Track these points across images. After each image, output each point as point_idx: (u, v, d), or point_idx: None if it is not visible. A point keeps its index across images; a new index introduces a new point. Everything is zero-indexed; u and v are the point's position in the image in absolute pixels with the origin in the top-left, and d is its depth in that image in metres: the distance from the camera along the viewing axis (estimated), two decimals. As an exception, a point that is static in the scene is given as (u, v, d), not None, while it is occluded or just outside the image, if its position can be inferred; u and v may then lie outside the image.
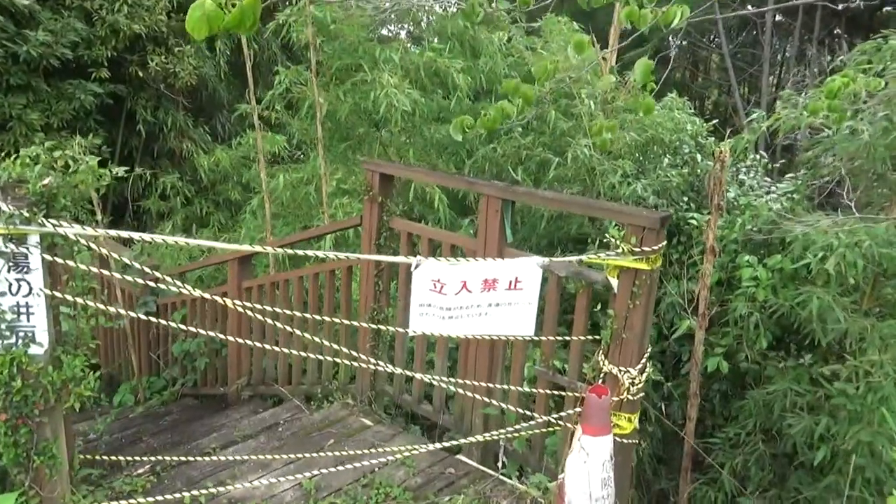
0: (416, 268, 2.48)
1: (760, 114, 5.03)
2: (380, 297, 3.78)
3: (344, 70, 6.19)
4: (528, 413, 3.10)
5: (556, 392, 3.05)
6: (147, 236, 2.40)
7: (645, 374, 2.69)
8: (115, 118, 9.88)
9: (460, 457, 3.45)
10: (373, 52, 5.86)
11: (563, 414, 2.88)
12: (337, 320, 3.85)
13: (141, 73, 9.56)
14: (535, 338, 2.81)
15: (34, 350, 2.37)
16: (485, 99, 6.58)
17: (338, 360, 3.37)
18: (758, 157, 6.08)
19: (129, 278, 3.13)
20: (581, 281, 2.85)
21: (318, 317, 3.56)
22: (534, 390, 3.11)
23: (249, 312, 2.71)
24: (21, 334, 2.35)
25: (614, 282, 2.67)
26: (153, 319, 3.88)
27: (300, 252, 2.56)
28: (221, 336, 3.15)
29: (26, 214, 2.25)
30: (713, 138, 6.16)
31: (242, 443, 3.70)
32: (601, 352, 2.79)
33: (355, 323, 3.42)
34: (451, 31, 6.14)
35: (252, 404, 4.66)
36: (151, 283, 4.43)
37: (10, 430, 2.37)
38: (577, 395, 2.93)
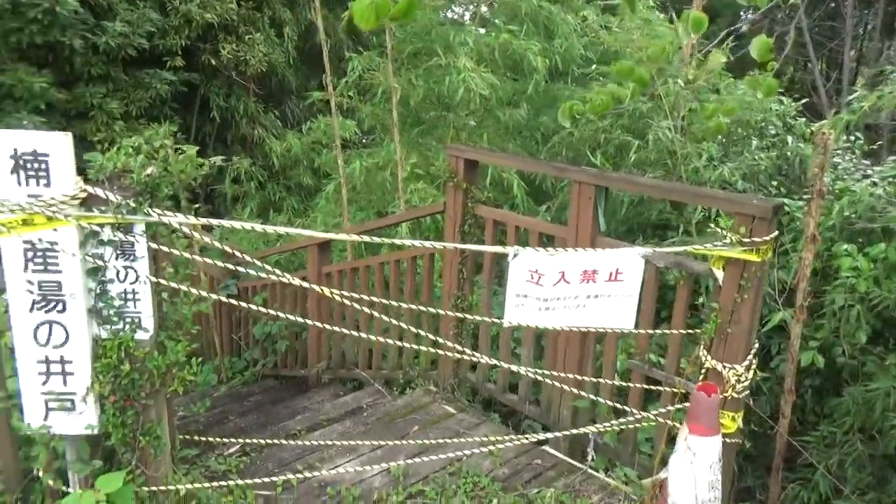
0: (513, 258, 2.42)
1: (861, 92, 4.72)
2: (463, 285, 3.74)
3: (416, 54, 6.14)
4: (620, 406, 3.01)
5: (651, 386, 2.95)
6: (246, 224, 2.42)
7: (751, 372, 2.56)
8: (189, 105, 10.13)
9: (547, 448, 3.39)
10: (446, 35, 5.79)
11: (661, 410, 2.78)
12: (418, 307, 3.84)
13: (213, 61, 9.76)
14: (632, 330, 2.71)
15: (140, 335, 2.43)
16: (559, 81, 6.42)
17: (420, 346, 3.35)
18: (852, 138, 5.73)
19: (215, 262, 3.19)
20: (682, 272, 2.73)
21: (399, 303, 3.55)
22: (627, 384, 3.01)
23: (331, 296, 2.70)
24: (128, 320, 2.41)
25: (719, 273, 2.54)
26: (235, 303, 3.94)
27: (393, 241, 2.54)
28: (303, 320, 3.16)
29: (132, 204, 2.29)
30: (803, 119, 5.85)
31: (328, 426, 3.75)
32: (703, 346, 2.67)
33: (438, 310, 3.39)
34: (524, 12, 5.99)
35: (332, 387, 4.72)
36: (235, 267, 4.51)
37: (118, 411, 2.44)
38: (674, 390, 2.83)
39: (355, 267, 4.61)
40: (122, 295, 2.39)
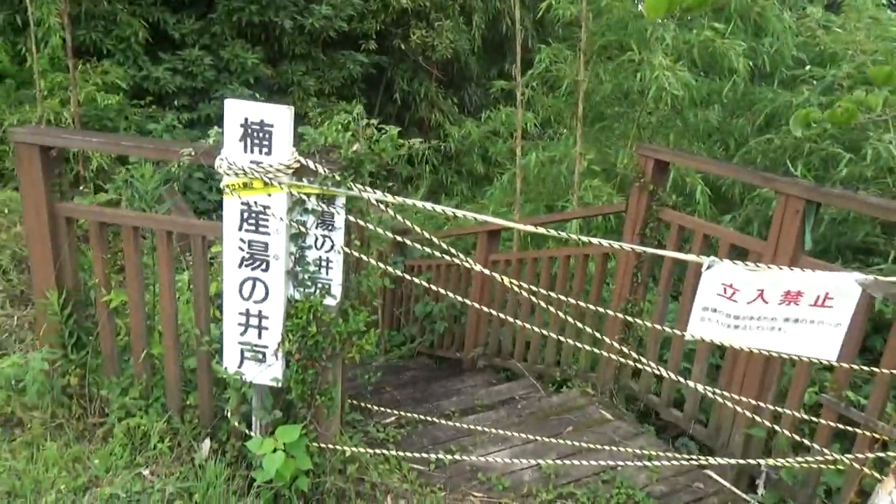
0: (707, 268, 2.27)
1: None
2: (636, 290, 3.59)
3: (604, 48, 5.96)
4: (803, 442, 2.74)
5: (843, 426, 2.64)
6: (438, 207, 2.48)
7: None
8: (374, 86, 10.65)
9: (710, 472, 3.18)
10: (642, 29, 5.55)
11: (859, 456, 2.49)
12: (584, 304, 3.75)
13: (402, 46, 10.16)
14: (833, 363, 2.44)
15: (328, 301, 2.58)
16: (761, 83, 5.93)
17: (580, 344, 3.27)
18: None
19: (395, 237, 3.31)
20: (902, 306, 2.41)
21: (565, 298, 3.48)
22: (814, 419, 2.73)
23: (501, 281, 2.69)
24: (320, 285, 2.57)
25: (952, 314, 2.21)
26: (408, 277, 4.07)
27: (580, 238, 2.48)
28: (467, 301, 3.18)
29: (337, 178, 2.43)
30: None
31: (482, 412, 3.79)
32: (917, 393, 2.35)
33: (607, 311, 3.28)
34: (733, 7, 5.58)
35: (486, 374, 4.77)
36: (410, 243, 4.67)
37: (301, 368, 2.62)
38: (874, 435, 2.52)
39: (522, 258, 4.60)
40: (318, 261, 2.55)
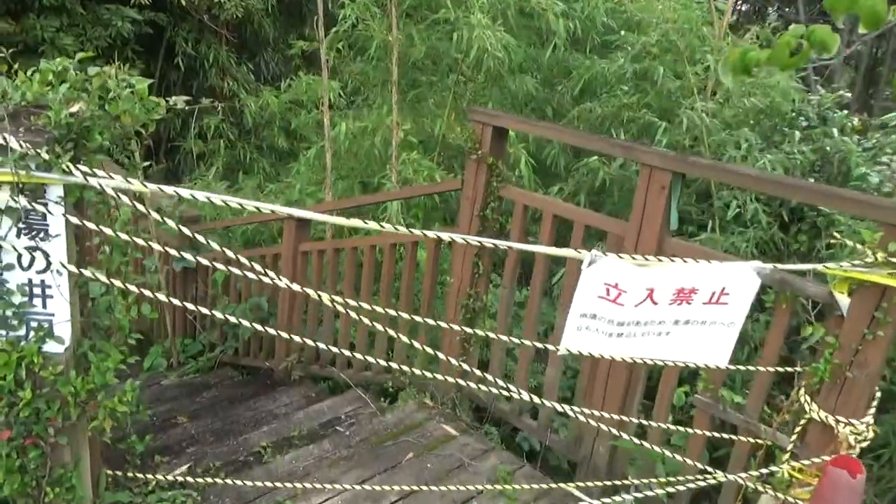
0: (588, 265, 1.76)
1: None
2: (478, 282, 3.05)
3: (416, 7, 5.38)
4: (676, 457, 2.39)
5: (720, 433, 2.33)
6: (203, 195, 1.72)
7: (871, 430, 1.96)
8: (153, 50, 9.18)
9: (573, 490, 2.77)
10: (456, -17, 5.03)
11: (747, 475, 2.16)
12: (424, 305, 3.16)
13: (183, 2, 8.80)
14: (722, 367, 2.08)
15: (51, 347, 1.70)
16: (574, 50, 5.70)
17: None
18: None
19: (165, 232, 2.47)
20: (786, 293, 2.10)
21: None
22: (687, 428, 2.39)
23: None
24: (34, 325, 1.68)
25: (843, 300, 1.92)
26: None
27: (426, 233, 1.85)
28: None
29: (45, 156, 1.55)
30: (845, 111, 5.28)
31: (301, 447, 3.04)
32: (804, 390, 2.05)
33: (440, 323, 2.73)
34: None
35: (303, 387, 4.03)
36: (191, 237, 3.78)
37: (14, 452, 1.72)
38: (754, 440, 2.22)
39: (339, 247, 3.89)
40: (25, 288, 1.66)
